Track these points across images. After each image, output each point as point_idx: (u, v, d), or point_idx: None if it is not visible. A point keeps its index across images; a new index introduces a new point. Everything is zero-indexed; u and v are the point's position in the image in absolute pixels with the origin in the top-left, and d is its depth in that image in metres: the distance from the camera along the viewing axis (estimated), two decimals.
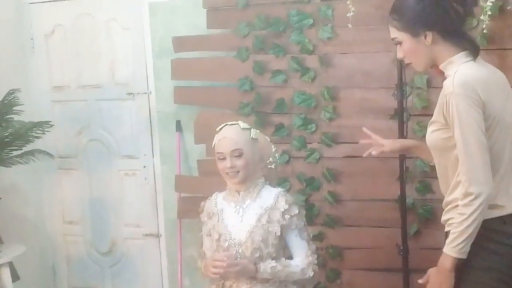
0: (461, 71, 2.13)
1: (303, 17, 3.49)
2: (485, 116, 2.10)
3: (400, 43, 2.27)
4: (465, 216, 2.07)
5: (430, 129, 2.27)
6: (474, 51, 2.21)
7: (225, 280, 2.67)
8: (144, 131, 4.12)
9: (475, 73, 2.14)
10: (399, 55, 2.32)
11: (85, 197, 4.36)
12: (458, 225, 2.09)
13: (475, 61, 2.20)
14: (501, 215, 2.16)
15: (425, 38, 2.20)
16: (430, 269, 2.26)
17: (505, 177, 2.18)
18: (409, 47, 2.25)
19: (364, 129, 2.72)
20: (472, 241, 2.10)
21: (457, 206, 2.16)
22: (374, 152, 2.67)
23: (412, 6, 2.20)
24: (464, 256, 2.12)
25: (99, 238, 4.38)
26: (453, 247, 2.11)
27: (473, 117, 2.07)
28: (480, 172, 2.07)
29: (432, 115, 2.30)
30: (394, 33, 2.27)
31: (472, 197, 2.06)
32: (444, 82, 2.19)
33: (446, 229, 2.27)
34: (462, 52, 2.20)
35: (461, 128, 2.08)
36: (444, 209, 2.30)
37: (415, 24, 2.20)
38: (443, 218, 2.30)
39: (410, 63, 2.33)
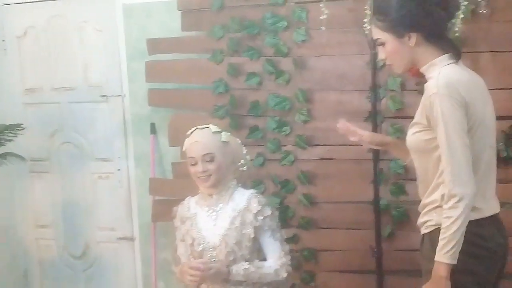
0: (444, 73, 2.14)
1: (277, 19, 3.49)
2: (467, 118, 2.11)
3: (383, 44, 2.26)
4: (452, 219, 2.05)
5: (411, 130, 2.26)
6: (456, 54, 2.22)
7: (199, 284, 2.65)
8: (118, 134, 4.08)
9: (458, 75, 2.15)
10: (381, 56, 2.32)
11: (58, 201, 4.31)
12: (447, 229, 2.06)
13: (457, 64, 2.21)
14: (479, 218, 2.16)
15: (409, 40, 2.20)
16: (423, 286, 2.19)
17: (482, 180, 2.18)
18: (392, 48, 2.24)
19: (342, 120, 2.68)
20: (461, 244, 2.07)
21: (435, 208, 2.16)
22: (353, 138, 2.63)
23: (397, 7, 2.19)
24: (456, 262, 2.08)
25: (72, 242, 4.33)
26: (445, 253, 2.07)
27: (457, 117, 2.08)
28: (464, 173, 2.07)
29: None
30: (378, 33, 2.27)
31: (457, 198, 2.05)
32: (426, 84, 2.20)
33: (423, 231, 2.26)
34: (444, 55, 2.20)
35: (445, 129, 2.07)
36: (420, 212, 2.29)
37: (400, 25, 2.19)
38: (420, 220, 2.29)
39: (390, 64, 2.33)
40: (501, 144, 3.11)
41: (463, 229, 2.05)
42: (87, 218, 4.26)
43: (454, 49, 2.23)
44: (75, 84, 4.14)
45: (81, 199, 4.25)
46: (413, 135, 2.24)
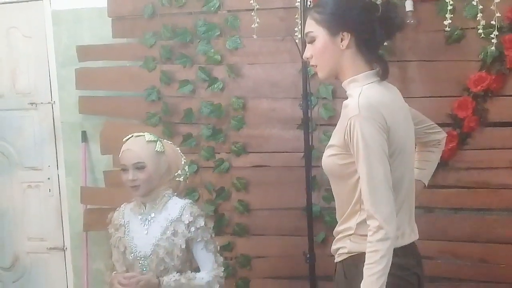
0: (366, 93, 1.97)
1: (210, 27, 3.49)
2: (388, 143, 1.95)
3: (313, 39, 2.07)
4: (382, 253, 1.88)
5: (327, 152, 2.09)
6: (383, 73, 2.05)
7: None
8: (48, 142, 4.01)
9: (380, 97, 1.98)
10: (307, 53, 2.11)
11: None
12: (377, 264, 1.88)
13: (380, 84, 2.04)
14: (396, 246, 1.97)
15: (341, 42, 2.02)
16: None
17: (402, 207, 2.06)
18: (322, 45, 2.05)
19: None
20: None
21: (349, 235, 2.05)
22: None
23: (339, 3, 2.04)
24: None
25: (1, 253, 4.22)
26: None
27: (380, 143, 1.91)
28: (389, 203, 1.91)
29: None
30: (312, 26, 2.07)
31: (384, 231, 1.88)
32: (345, 102, 2.04)
33: (336, 259, 2.15)
34: (369, 71, 2.05)
35: (367, 155, 1.90)
36: (335, 238, 2.17)
37: (337, 21, 2.02)
38: (333, 247, 2.16)
39: (315, 66, 2.11)
40: None
41: (390, 263, 1.91)
42: (16, 229, 4.16)
43: (383, 67, 2.06)
44: (3, 91, 4.06)
45: (10, 209, 4.16)
46: (329, 158, 2.08)
